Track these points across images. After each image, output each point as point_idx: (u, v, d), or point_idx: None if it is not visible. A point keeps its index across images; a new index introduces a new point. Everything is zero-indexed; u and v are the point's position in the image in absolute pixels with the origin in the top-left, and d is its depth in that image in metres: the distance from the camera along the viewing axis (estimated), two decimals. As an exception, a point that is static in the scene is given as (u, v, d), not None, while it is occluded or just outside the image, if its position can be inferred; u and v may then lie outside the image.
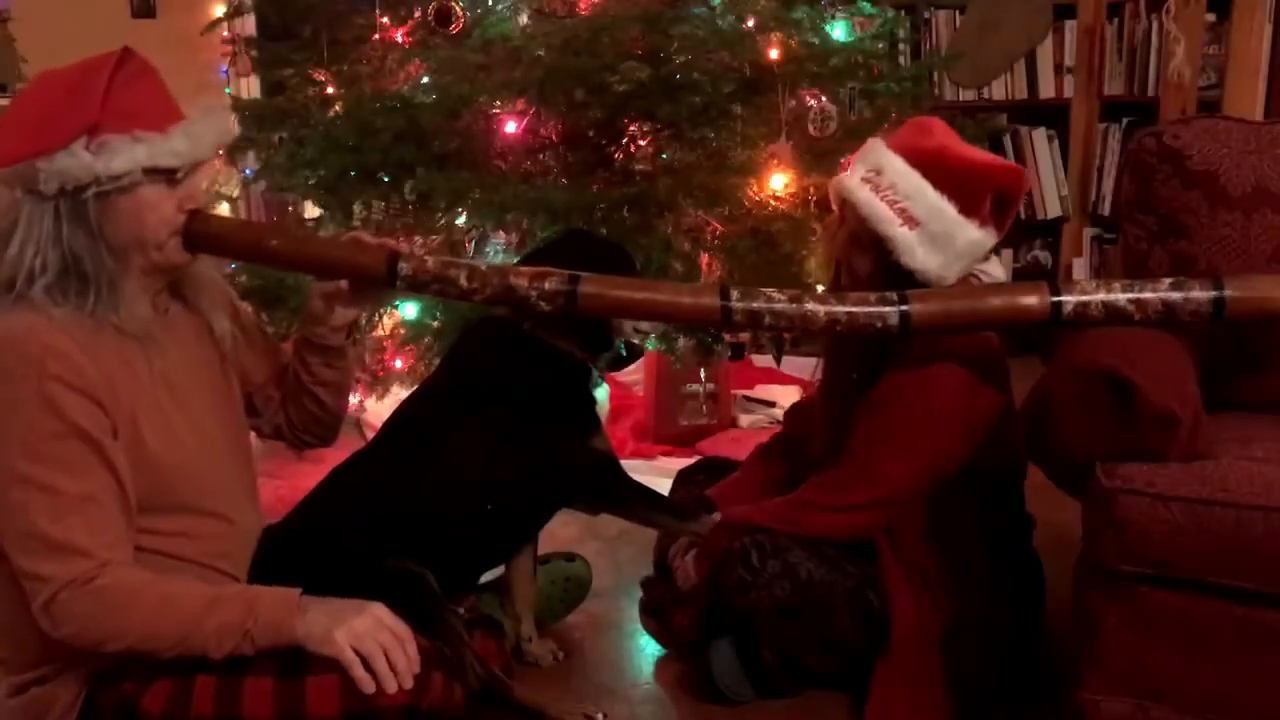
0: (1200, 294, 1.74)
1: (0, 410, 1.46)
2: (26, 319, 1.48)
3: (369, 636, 1.48)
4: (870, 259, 1.93)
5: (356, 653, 1.47)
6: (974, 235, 1.87)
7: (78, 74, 1.54)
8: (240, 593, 1.58)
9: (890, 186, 1.88)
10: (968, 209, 1.87)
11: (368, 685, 1.46)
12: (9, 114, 1.59)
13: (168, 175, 1.54)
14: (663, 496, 2.23)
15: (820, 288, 2.37)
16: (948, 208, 1.86)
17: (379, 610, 1.52)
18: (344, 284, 1.74)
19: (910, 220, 1.86)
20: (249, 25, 4.00)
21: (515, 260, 2.32)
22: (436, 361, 2.76)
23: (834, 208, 2.03)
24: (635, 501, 2.12)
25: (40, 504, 1.45)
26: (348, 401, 1.94)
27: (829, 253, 2.06)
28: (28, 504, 1.45)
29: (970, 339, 1.94)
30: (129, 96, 1.52)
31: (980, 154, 1.96)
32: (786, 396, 3.60)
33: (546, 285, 1.77)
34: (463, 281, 1.77)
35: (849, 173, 1.95)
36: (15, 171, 1.49)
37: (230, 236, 1.69)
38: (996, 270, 2.02)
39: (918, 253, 1.86)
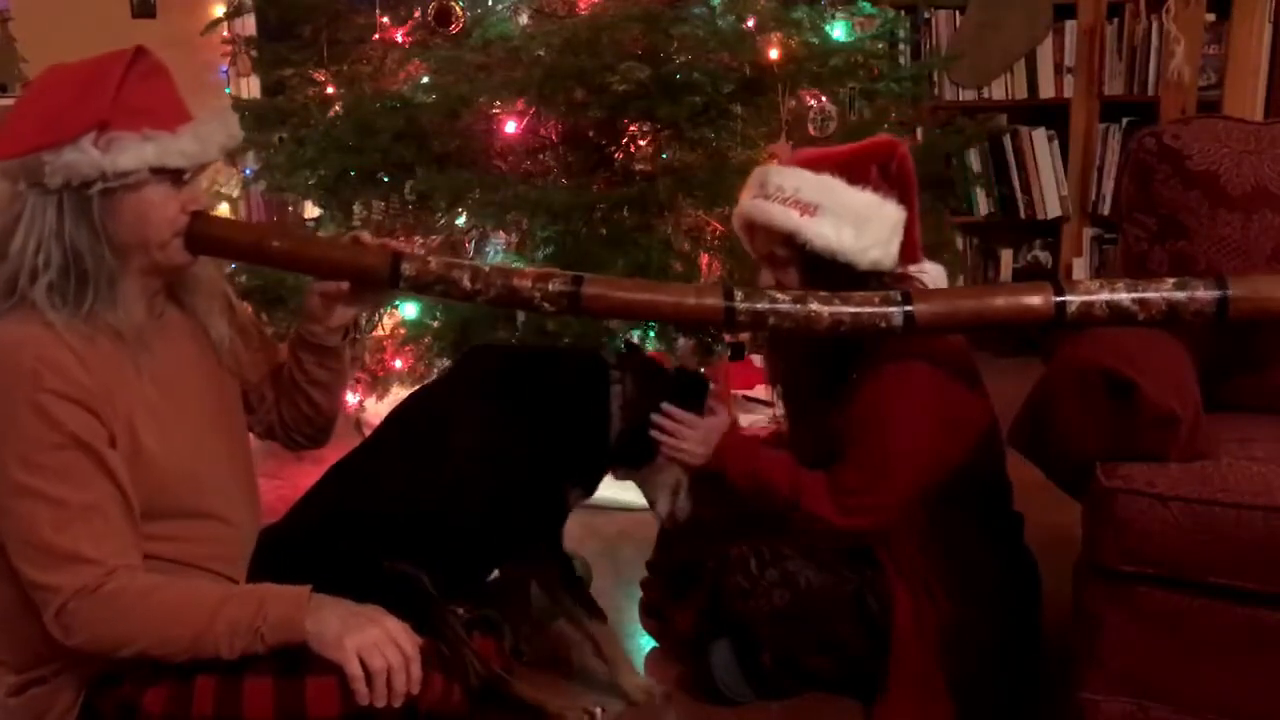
0: (1204, 294, 1.74)
1: None
2: (21, 331, 1.47)
3: (378, 651, 1.46)
4: (794, 268, 1.94)
5: (362, 664, 1.45)
6: (867, 197, 1.90)
7: (90, 69, 1.52)
8: (250, 591, 1.57)
9: (777, 189, 1.93)
10: (854, 180, 1.91)
11: (364, 699, 1.46)
12: (18, 106, 1.57)
13: (174, 175, 1.53)
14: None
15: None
16: (835, 182, 1.91)
17: (392, 625, 1.50)
18: (344, 285, 1.71)
19: (807, 208, 1.89)
20: (249, 25, 4.00)
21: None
22: (436, 362, 2.76)
23: (746, 246, 2.05)
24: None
25: (44, 515, 1.44)
26: (341, 403, 1.92)
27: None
28: (32, 516, 1.44)
29: (935, 341, 1.93)
30: (140, 94, 1.50)
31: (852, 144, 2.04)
32: (787, 396, 3.59)
33: (550, 286, 1.74)
34: (466, 283, 1.73)
35: (739, 202, 2.00)
36: (22, 164, 1.46)
37: (232, 238, 1.68)
38: (936, 272, 2.04)
39: (828, 234, 1.88)
